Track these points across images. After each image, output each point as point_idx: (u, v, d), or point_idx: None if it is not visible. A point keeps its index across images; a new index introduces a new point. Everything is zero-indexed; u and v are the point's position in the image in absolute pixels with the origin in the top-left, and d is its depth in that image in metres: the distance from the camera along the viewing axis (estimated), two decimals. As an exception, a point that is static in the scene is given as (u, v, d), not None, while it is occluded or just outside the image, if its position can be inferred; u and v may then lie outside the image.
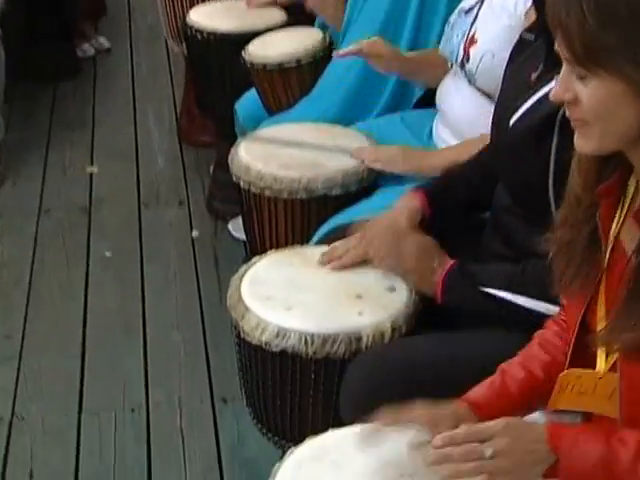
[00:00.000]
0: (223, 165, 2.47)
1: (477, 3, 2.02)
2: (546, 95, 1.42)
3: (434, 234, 1.70)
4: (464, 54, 1.99)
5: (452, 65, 2.08)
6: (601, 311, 1.22)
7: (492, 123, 1.72)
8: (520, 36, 1.74)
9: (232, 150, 2.17)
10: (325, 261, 1.72)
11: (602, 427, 1.22)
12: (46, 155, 3.59)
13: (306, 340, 1.57)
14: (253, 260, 1.77)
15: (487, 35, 1.96)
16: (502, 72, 1.75)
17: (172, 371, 2.50)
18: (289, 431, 1.68)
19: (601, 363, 1.23)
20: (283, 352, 1.59)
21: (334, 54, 2.29)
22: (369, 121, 2.32)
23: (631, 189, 1.20)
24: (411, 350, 1.57)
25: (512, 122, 1.60)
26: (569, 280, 1.24)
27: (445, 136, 2.09)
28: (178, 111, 3.78)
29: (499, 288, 1.54)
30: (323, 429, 1.35)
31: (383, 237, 1.67)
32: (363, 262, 1.70)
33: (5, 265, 2.96)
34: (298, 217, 2.04)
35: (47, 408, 2.38)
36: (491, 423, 1.18)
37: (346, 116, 2.32)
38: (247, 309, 1.63)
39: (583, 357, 1.25)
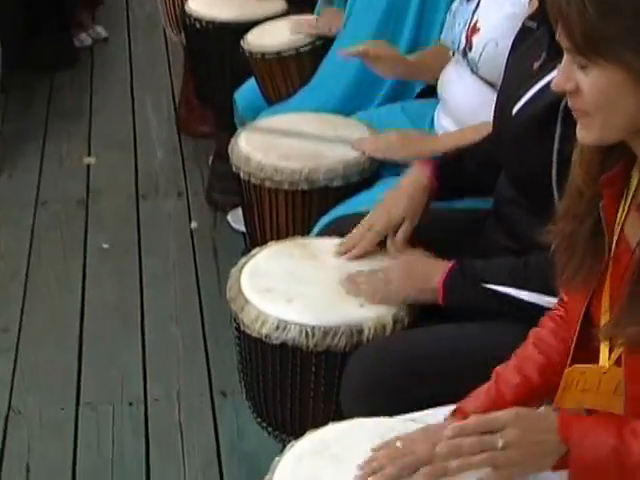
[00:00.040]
0: (222, 156, 2.47)
1: (479, -10, 2.00)
2: (549, 84, 1.40)
3: (437, 231, 1.70)
4: (466, 42, 1.98)
5: (454, 54, 2.06)
6: (605, 305, 1.21)
7: (494, 112, 1.71)
8: (523, 24, 1.73)
9: (232, 140, 2.16)
10: (342, 251, 1.71)
11: (613, 418, 1.21)
12: (43, 146, 3.58)
13: (307, 333, 1.56)
14: (253, 252, 1.77)
15: (490, 23, 1.95)
16: (505, 61, 1.73)
17: (171, 364, 2.49)
18: (289, 425, 1.68)
19: (604, 357, 1.22)
20: (283, 345, 1.58)
21: (337, 52, 2.27)
22: (370, 111, 2.31)
23: (634, 180, 1.20)
24: (413, 343, 1.56)
25: (515, 111, 1.59)
26: (572, 273, 1.24)
27: (447, 125, 2.08)
28: (177, 101, 3.77)
29: (502, 284, 1.53)
30: (324, 423, 1.34)
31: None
32: (369, 253, 1.70)
33: (2, 257, 2.94)
34: (299, 208, 2.04)
35: (44, 401, 2.37)
36: (501, 413, 1.17)
37: (347, 106, 2.31)
38: (247, 301, 1.62)
39: (586, 351, 1.24)
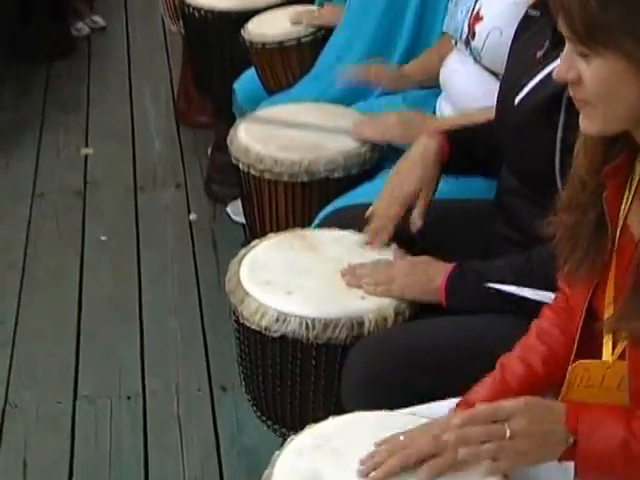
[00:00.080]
0: (222, 146, 2.46)
1: (481, -22, 1.98)
2: (552, 73, 1.39)
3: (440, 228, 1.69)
4: (469, 31, 1.97)
5: (456, 43, 2.04)
6: (609, 296, 1.21)
7: (497, 101, 1.70)
8: (526, 12, 1.71)
9: (231, 131, 2.15)
10: (369, 241, 1.70)
11: (622, 409, 1.20)
12: (40, 137, 3.56)
13: (307, 325, 1.55)
14: (252, 244, 1.75)
15: (493, 11, 1.93)
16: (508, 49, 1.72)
17: (169, 357, 2.48)
18: (289, 419, 1.67)
19: (607, 352, 1.21)
20: (283, 337, 1.57)
21: (337, 73, 2.23)
22: (370, 101, 2.30)
23: (638, 170, 1.19)
24: (414, 335, 1.55)
25: (518, 100, 1.58)
26: (575, 265, 1.23)
27: (449, 114, 2.06)
28: (175, 91, 3.76)
29: (505, 282, 1.52)
30: (324, 416, 1.33)
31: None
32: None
33: (-2, 249, 2.93)
34: (299, 200, 2.02)
35: (41, 395, 2.36)
36: (508, 402, 1.17)
37: (347, 96, 2.29)
38: (246, 294, 1.61)
39: (589, 346, 1.24)
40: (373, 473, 1.20)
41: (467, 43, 1.97)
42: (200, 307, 2.65)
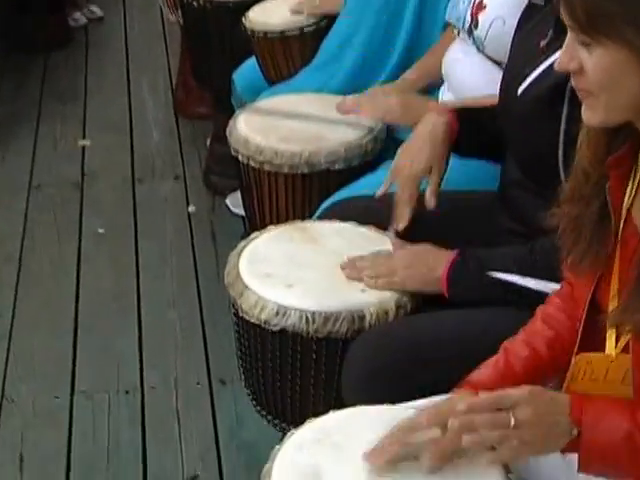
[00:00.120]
0: (221, 138, 2.45)
1: (483, -34, 1.96)
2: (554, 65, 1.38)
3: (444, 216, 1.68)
4: (472, 20, 1.95)
5: (459, 32, 2.02)
6: (614, 288, 1.20)
7: (500, 91, 1.69)
8: (529, 1, 1.70)
9: (230, 122, 2.14)
10: (397, 228, 1.67)
11: (626, 401, 1.19)
12: (37, 128, 3.55)
13: (307, 318, 1.54)
14: (252, 236, 1.74)
15: (496, 0, 1.91)
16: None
17: (168, 351, 2.47)
18: (289, 413, 1.66)
19: (611, 345, 1.21)
20: (283, 331, 1.56)
21: (337, 105, 2.16)
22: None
23: None
24: (416, 328, 1.54)
25: (521, 90, 1.57)
26: (578, 257, 1.22)
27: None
28: (173, 82, 3.75)
29: (507, 271, 1.51)
30: (324, 410, 1.32)
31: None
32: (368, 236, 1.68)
33: (-6, 242, 2.92)
34: (299, 192, 2.01)
35: (38, 389, 2.35)
36: (513, 391, 1.16)
37: (349, 87, 2.28)
38: (246, 287, 1.60)
39: (593, 337, 1.23)
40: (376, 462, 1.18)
41: (470, 32, 1.95)
42: (199, 300, 2.64)
